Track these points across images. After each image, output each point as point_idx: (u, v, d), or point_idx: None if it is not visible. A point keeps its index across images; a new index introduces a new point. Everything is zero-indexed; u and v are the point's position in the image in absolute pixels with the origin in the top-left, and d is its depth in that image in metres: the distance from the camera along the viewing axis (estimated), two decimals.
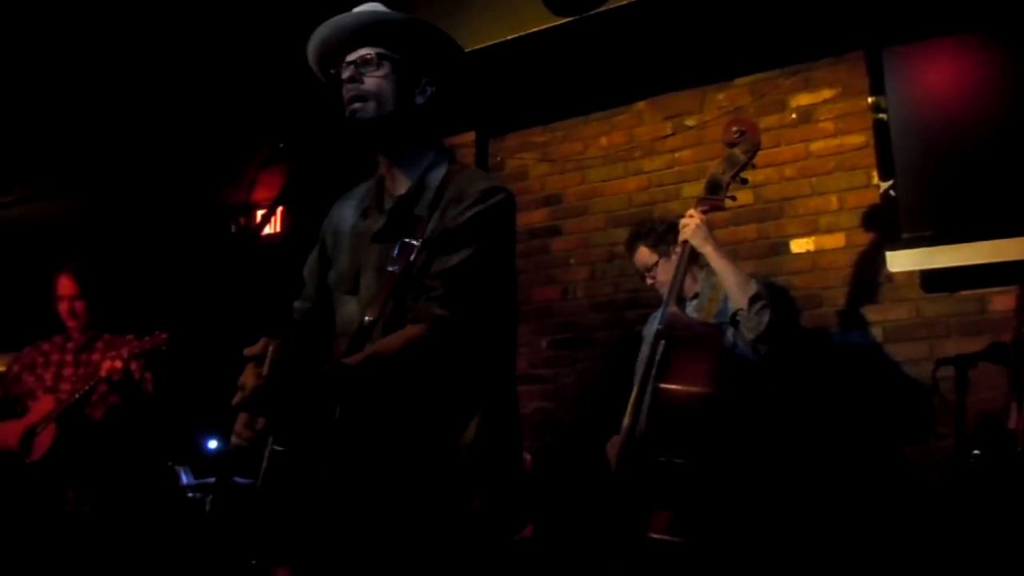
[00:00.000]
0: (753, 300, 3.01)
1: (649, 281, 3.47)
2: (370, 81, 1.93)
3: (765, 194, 4.13)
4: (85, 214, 6.51)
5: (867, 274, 3.81)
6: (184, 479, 5.09)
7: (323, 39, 2.00)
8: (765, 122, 4.16)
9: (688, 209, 3.16)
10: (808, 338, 3.89)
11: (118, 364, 3.46)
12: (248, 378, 1.67)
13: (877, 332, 3.76)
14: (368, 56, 1.94)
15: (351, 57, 1.96)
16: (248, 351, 1.70)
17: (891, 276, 3.72)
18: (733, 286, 3.07)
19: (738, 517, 2.84)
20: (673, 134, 4.46)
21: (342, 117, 1.93)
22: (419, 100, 1.99)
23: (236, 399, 1.67)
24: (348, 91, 1.93)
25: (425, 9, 4.03)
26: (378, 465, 1.87)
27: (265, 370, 1.64)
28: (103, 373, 3.48)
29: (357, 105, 1.92)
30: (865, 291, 3.81)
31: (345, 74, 1.94)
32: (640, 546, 2.70)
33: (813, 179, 4.02)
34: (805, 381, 3.74)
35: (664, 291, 3.36)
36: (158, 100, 4.93)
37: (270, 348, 1.66)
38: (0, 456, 3.60)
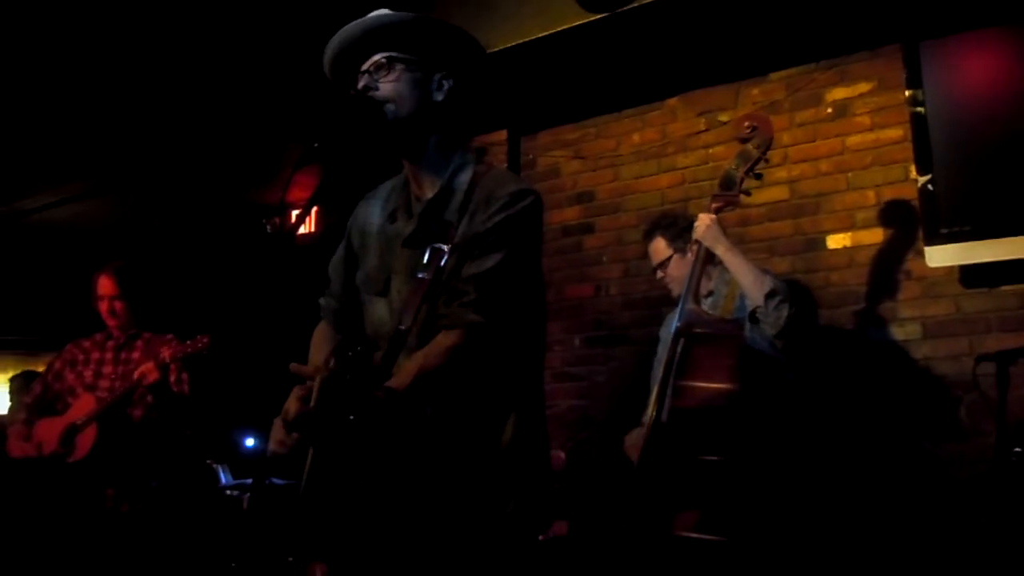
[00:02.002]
0: (770, 296, 3.00)
1: (659, 275, 3.46)
2: (385, 86, 1.93)
3: (801, 189, 4.10)
4: (123, 215, 6.60)
5: (905, 270, 3.77)
6: (222, 477, 5.16)
7: (334, 54, 2.00)
8: (800, 116, 4.13)
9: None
10: (845, 334, 3.85)
11: (153, 368, 3.51)
12: (291, 405, 1.71)
13: (916, 328, 3.72)
14: (379, 61, 1.94)
15: (365, 66, 1.96)
16: (294, 367, 1.72)
17: (929, 271, 3.67)
18: (748, 284, 3.06)
19: (766, 513, 2.82)
20: (707, 130, 4.43)
21: (369, 119, 1.93)
22: (437, 97, 1.98)
23: (280, 432, 1.73)
24: (370, 97, 1.92)
25: (457, 8, 4.04)
26: (416, 467, 1.88)
27: (312, 401, 1.65)
28: (136, 376, 3.53)
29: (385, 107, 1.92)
30: (903, 287, 3.77)
31: (360, 84, 1.94)
32: (666, 543, 2.70)
33: (849, 174, 3.98)
34: (841, 377, 3.71)
35: (673, 287, 3.37)
36: (194, 101, 4.98)
37: (317, 377, 1.67)
38: (42, 454, 3.67)
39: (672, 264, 3.39)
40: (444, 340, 1.84)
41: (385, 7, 1.99)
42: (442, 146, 2.01)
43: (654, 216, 3.80)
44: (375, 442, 1.82)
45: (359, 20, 1.96)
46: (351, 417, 1.67)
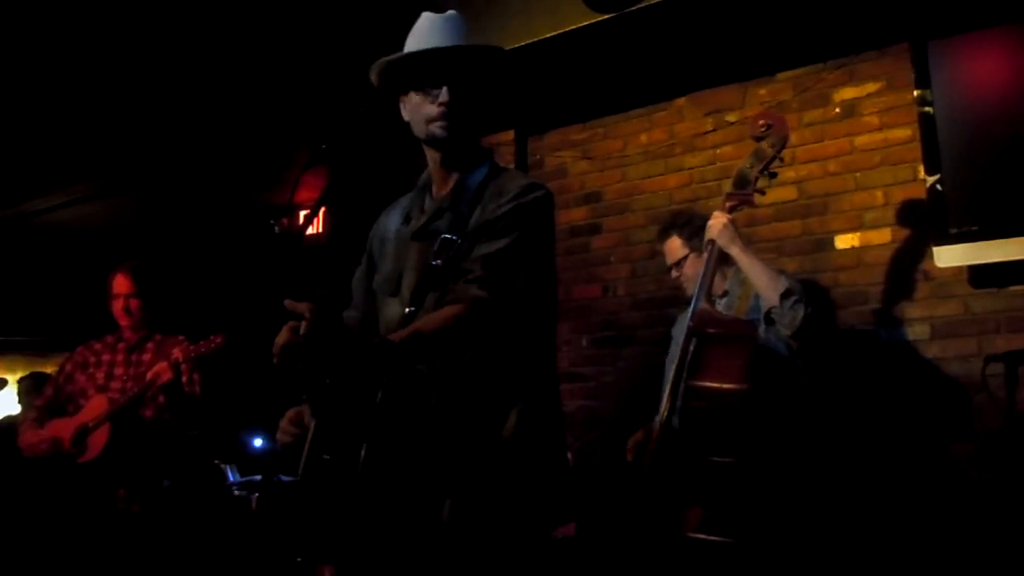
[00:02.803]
0: (785, 296, 2.97)
1: (675, 274, 3.44)
2: (464, 109, 1.99)
3: (809, 189, 4.09)
4: (131, 216, 6.63)
5: (913, 270, 3.76)
6: (231, 477, 5.17)
7: (424, 49, 2.01)
8: (808, 116, 4.12)
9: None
10: (853, 335, 3.84)
11: (167, 368, 3.52)
12: (281, 334, 1.69)
13: (924, 329, 3.71)
14: (466, 85, 1.99)
15: (450, 80, 1.98)
16: (289, 303, 1.69)
17: (938, 272, 3.66)
18: (763, 284, 3.03)
19: (777, 515, 2.81)
20: (714, 130, 4.43)
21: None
22: (482, 115, 2.08)
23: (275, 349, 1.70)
24: (441, 113, 1.97)
25: (465, 8, 4.03)
26: (418, 457, 1.89)
27: (303, 329, 1.64)
28: (149, 377, 3.54)
29: (445, 124, 1.98)
30: (912, 287, 3.76)
31: (443, 97, 1.97)
32: (676, 544, 2.69)
33: (858, 174, 3.97)
34: (850, 378, 3.70)
35: (688, 287, 3.33)
36: (203, 103, 5.00)
37: (308, 309, 1.65)
38: (53, 454, 3.68)
39: (688, 263, 3.36)
40: (447, 310, 1.86)
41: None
42: (468, 149, 2.09)
43: (668, 215, 3.79)
44: (368, 409, 1.82)
45: (467, 40, 2.02)
46: (341, 351, 1.67)
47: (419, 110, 2.01)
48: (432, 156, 2.10)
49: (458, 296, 1.86)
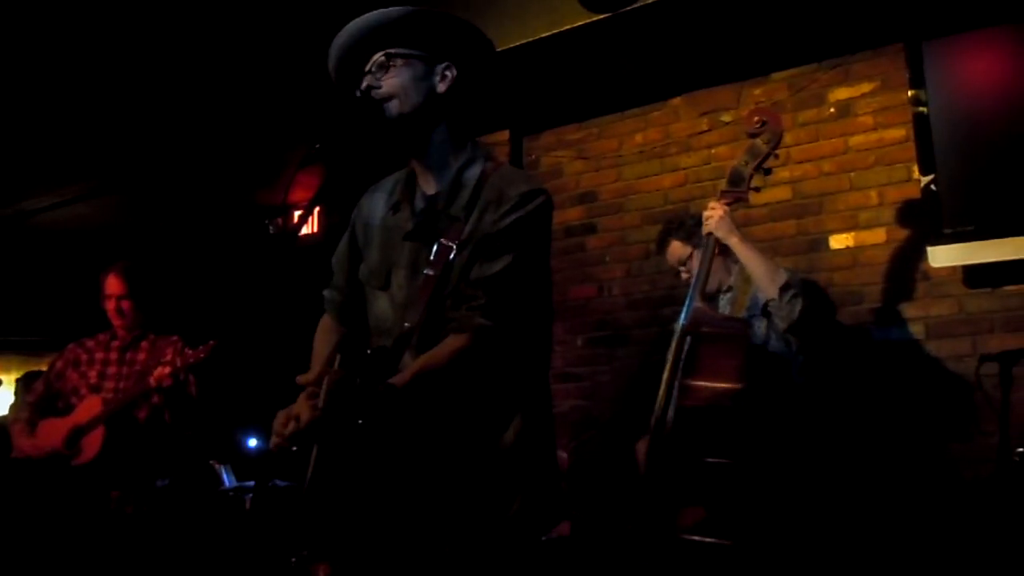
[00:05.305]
0: (784, 289, 2.95)
1: (684, 275, 3.42)
2: (387, 83, 1.92)
3: (804, 189, 4.09)
4: (127, 216, 6.62)
5: (908, 270, 3.76)
6: (225, 478, 5.16)
7: (337, 60, 2.00)
8: (803, 116, 4.13)
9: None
10: (848, 334, 3.84)
11: (167, 376, 3.50)
12: (303, 410, 1.69)
13: (919, 328, 3.71)
14: (379, 60, 1.94)
15: (367, 66, 1.95)
16: (301, 379, 1.72)
17: (933, 272, 3.66)
18: (762, 276, 3.01)
19: (772, 516, 2.81)
20: (709, 130, 4.43)
21: (374, 119, 1.93)
22: (440, 88, 1.96)
23: (290, 428, 1.69)
24: (374, 97, 1.92)
25: (460, 8, 4.03)
26: (419, 467, 1.88)
27: (321, 402, 1.65)
28: (152, 381, 3.52)
29: (385, 105, 1.92)
30: (906, 287, 3.76)
31: (363, 85, 1.93)
32: (670, 545, 2.68)
33: (852, 174, 3.98)
34: (844, 378, 3.70)
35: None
36: (198, 103, 4.99)
37: (325, 379, 1.67)
38: (46, 455, 3.66)
39: (694, 259, 3.32)
40: (452, 343, 1.84)
41: (386, 6, 1.99)
42: (449, 140, 2.00)
43: (660, 224, 3.77)
44: (375, 439, 1.82)
45: (354, 22, 1.96)
46: (360, 421, 1.68)
47: None
48: (406, 143, 2.02)
49: (462, 325, 1.84)
